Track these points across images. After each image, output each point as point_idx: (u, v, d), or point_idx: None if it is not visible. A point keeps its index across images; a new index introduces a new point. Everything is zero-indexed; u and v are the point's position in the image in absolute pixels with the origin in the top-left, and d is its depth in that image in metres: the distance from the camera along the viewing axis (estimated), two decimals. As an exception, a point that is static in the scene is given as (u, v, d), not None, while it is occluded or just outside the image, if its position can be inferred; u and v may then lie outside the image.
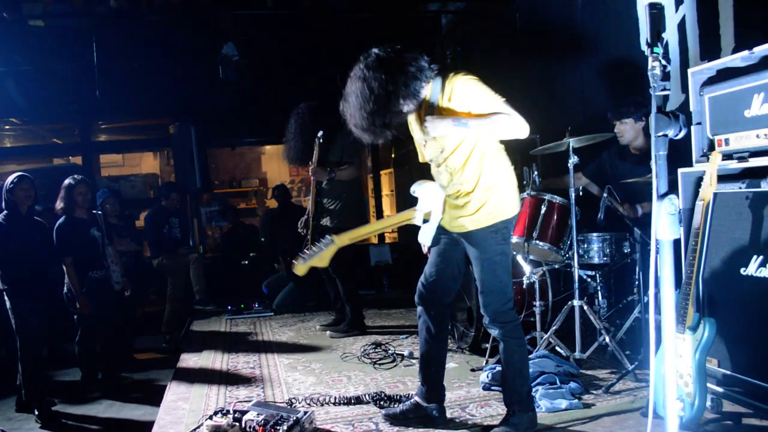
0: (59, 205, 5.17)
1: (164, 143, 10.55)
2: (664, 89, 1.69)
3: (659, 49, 1.69)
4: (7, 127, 9.69)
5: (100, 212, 5.38)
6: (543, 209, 4.23)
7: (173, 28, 9.05)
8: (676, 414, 1.73)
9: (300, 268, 3.10)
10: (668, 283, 1.68)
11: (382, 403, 3.60)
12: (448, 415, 3.33)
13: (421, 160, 3.23)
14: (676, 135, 1.73)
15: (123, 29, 8.82)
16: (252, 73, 9.09)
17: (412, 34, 9.29)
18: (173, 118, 9.08)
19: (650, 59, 1.69)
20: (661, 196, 1.67)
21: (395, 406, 3.42)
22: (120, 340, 5.74)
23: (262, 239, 8.98)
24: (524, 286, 4.44)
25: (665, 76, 1.70)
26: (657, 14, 1.74)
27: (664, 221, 1.67)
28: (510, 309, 3.03)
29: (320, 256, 3.07)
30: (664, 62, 1.68)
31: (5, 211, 4.78)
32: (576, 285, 4.08)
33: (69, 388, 5.28)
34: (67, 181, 5.22)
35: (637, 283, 4.14)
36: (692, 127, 3.37)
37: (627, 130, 4.41)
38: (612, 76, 5.39)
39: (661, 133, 1.70)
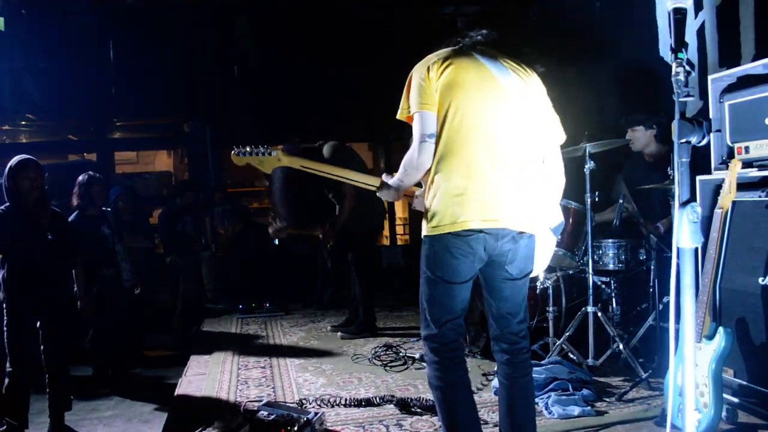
0: (74, 201, 5.13)
1: (179, 142, 10.61)
2: (688, 95, 1.66)
3: (683, 55, 1.67)
4: (23, 122, 9.77)
5: (109, 210, 5.40)
6: (558, 214, 4.20)
7: (190, 27, 9.09)
8: (694, 426, 1.70)
9: (236, 158, 2.90)
10: (689, 291, 1.66)
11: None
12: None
13: None
14: (699, 142, 1.70)
15: (140, 27, 8.87)
16: (267, 73, 9.12)
17: (428, 36, 9.28)
18: (188, 116, 9.12)
19: (674, 65, 1.67)
20: (683, 204, 1.65)
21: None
22: (131, 336, 5.75)
23: (276, 241, 8.98)
24: (538, 292, 4.42)
25: (688, 82, 1.68)
26: (681, 19, 1.71)
27: (686, 229, 1.64)
28: (425, 338, 2.53)
29: (260, 159, 2.87)
30: (687, 68, 1.66)
31: (6, 204, 3.98)
32: (590, 291, 4.05)
33: (79, 384, 5.29)
34: (82, 178, 5.15)
35: (651, 290, 4.11)
36: (711, 135, 3.34)
37: (638, 138, 4.43)
38: (629, 81, 5.36)
39: (684, 140, 1.68)
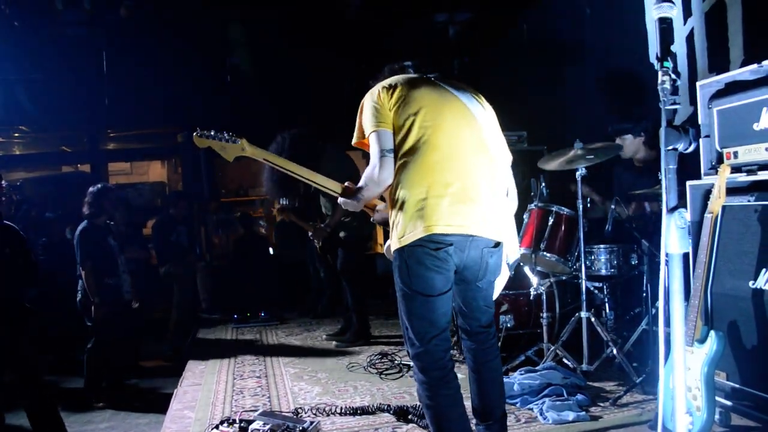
0: (86, 210, 5.14)
1: (172, 152, 10.61)
2: (674, 103, 1.69)
3: (669, 63, 1.69)
4: (16, 134, 9.77)
5: (111, 222, 5.43)
6: (550, 221, 4.23)
7: (183, 37, 9.11)
8: (686, 428, 1.72)
9: (198, 140, 2.81)
10: (678, 296, 1.68)
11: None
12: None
13: None
14: (686, 149, 1.73)
15: (133, 38, 8.88)
16: (260, 82, 9.14)
17: (420, 44, 9.31)
18: (181, 126, 9.12)
19: (660, 73, 1.69)
20: (671, 210, 1.67)
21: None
22: (127, 348, 5.73)
23: (272, 251, 9.00)
24: (531, 298, 4.43)
25: (675, 90, 1.71)
26: (667, 28, 1.74)
27: (674, 235, 1.67)
28: (413, 358, 2.51)
29: (222, 145, 2.79)
30: (674, 76, 1.69)
31: None
32: (583, 296, 4.06)
33: (73, 396, 5.27)
34: (95, 188, 5.20)
35: (644, 295, 4.13)
36: (701, 140, 3.37)
37: (627, 146, 4.50)
38: (620, 87, 5.40)
39: (670, 147, 1.70)
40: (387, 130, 2.49)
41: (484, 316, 2.68)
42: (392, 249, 2.50)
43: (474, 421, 2.72)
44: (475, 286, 2.61)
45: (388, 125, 2.50)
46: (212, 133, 2.78)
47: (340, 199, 2.67)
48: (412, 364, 2.53)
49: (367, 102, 2.57)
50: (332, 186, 2.72)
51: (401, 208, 2.43)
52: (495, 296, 2.77)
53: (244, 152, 2.78)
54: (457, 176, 2.44)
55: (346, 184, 2.66)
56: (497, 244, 2.57)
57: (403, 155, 2.47)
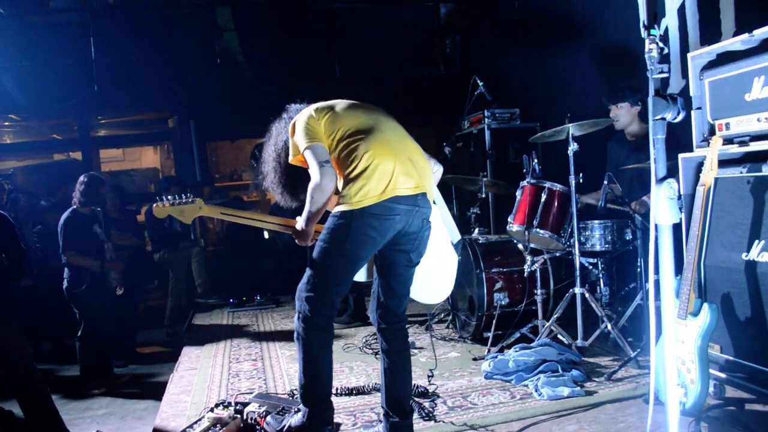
0: (78, 198, 5.17)
1: (164, 137, 10.54)
2: (662, 72, 1.66)
3: (656, 32, 1.66)
4: (6, 123, 9.68)
5: (99, 209, 5.40)
6: (543, 197, 4.20)
7: (171, 22, 9.01)
8: (677, 400, 1.71)
9: (158, 210, 3.00)
10: (668, 268, 1.66)
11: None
12: (450, 405, 3.33)
13: None
14: (674, 118, 1.70)
15: (121, 23, 8.78)
16: (250, 64, 9.07)
17: (411, 23, 9.23)
18: (172, 111, 9.05)
19: (647, 42, 1.67)
20: (660, 180, 1.65)
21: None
22: (119, 334, 5.71)
23: (266, 234, 8.97)
24: (525, 275, 4.42)
25: (663, 59, 1.68)
26: (654, -4, 1.71)
27: (663, 205, 1.65)
28: (308, 299, 2.71)
29: (181, 209, 2.98)
30: (661, 44, 1.66)
31: None
32: (577, 273, 4.06)
33: (70, 383, 5.28)
34: (87, 177, 5.24)
35: (638, 270, 4.13)
36: (692, 112, 3.35)
37: (623, 114, 4.44)
38: (613, 62, 5.36)
39: (658, 117, 1.68)
40: (320, 144, 2.73)
41: (405, 300, 2.93)
42: (337, 209, 2.67)
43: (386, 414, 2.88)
44: (408, 258, 2.84)
45: (321, 140, 2.74)
46: (169, 201, 2.96)
47: (295, 235, 2.89)
48: (306, 313, 2.70)
49: (299, 123, 2.81)
50: (287, 223, 2.96)
51: (355, 178, 2.65)
52: (449, 289, 3.16)
53: (201, 211, 2.98)
54: (400, 157, 2.74)
55: (297, 219, 2.88)
56: (428, 221, 2.84)
57: (347, 149, 2.71)
